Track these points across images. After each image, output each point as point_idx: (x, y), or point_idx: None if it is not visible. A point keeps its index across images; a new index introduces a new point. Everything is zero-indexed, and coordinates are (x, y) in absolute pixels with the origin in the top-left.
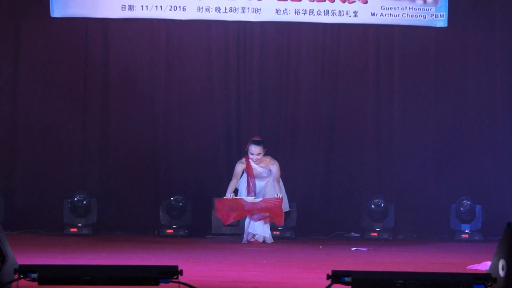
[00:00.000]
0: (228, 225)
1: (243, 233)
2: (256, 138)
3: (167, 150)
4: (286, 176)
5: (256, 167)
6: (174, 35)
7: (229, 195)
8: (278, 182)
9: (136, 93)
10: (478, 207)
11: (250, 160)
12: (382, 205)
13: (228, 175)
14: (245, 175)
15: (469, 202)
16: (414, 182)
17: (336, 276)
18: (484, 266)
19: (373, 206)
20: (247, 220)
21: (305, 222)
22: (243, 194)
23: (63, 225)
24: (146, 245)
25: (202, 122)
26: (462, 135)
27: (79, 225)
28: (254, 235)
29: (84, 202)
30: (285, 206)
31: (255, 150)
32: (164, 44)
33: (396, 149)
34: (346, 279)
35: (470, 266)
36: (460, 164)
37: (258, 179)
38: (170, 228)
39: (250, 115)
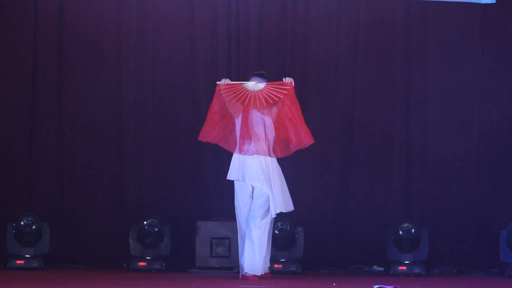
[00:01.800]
0: (216, 256)
1: (237, 266)
2: (259, 72)
3: (139, 160)
4: (290, 193)
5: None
6: (147, 9)
7: (224, 80)
8: None
9: (98, 81)
10: None
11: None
12: (413, 231)
13: (217, 192)
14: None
15: None
16: (453, 202)
17: None
18: None
19: (401, 233)
20: (241, 249)
21: (315, 253)
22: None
23: (6, 256)
24: (112, 282)
25: (182, 123)
26: None
27: (26, 256)
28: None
29: (33, 227)
30: (288, 205)
31: None
32: (134, 19)
33: (430, 159)
34: None
35: None
36: None
37: (257, 127)
38: (143, 260)
39: None
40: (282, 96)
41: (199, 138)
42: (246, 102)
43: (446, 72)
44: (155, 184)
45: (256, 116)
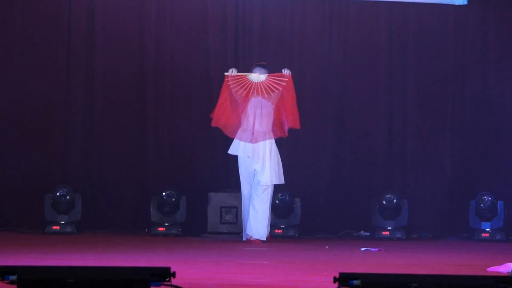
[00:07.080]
0: (225, 223)
1: (242, 231)
2: (262, 62)
3: (158, 140)
4: (288, 168)
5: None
6: (165, 7)
7: (231, 70)
8: None
9: (123, 77)
10: (500, 203)
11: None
12: (395, 201)
13: (226, 167)
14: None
15: (490, 198)
16: (430, 176)
17: (343, 279)
18: (506, 268)
19: (384, 202)
20: (246, 217)
21: (310, 220)
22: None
23: (44, 223)
24: (135, 244)
25: (196, 107)
26: (483, 123)
27: (61, 222)
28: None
29: (67, 198)
30: (280, 178)
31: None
32: (154, 13)
33: (410, 139)
34: (355, 282)
35: (490, 268)
36: (481, 155)
37: (259, 117)
38: (162, 226)
39: None
40: (281, 88)
41: (212, 124)
42: (249, 92)
43: (424, 68)
44: (172, 161)
45: (255, 103)
